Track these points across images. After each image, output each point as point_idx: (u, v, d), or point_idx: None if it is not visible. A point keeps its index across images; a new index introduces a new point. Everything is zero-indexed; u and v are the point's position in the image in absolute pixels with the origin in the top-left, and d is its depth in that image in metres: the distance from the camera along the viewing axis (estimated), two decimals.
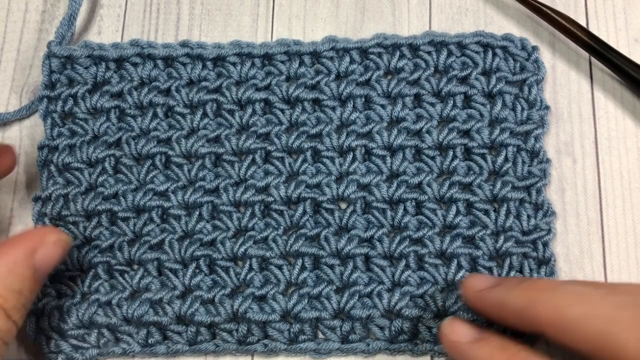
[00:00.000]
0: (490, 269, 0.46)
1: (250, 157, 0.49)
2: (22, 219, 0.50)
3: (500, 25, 0.53)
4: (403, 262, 0.46)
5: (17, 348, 0.47)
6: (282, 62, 0.51)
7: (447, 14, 0.53)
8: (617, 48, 0.52)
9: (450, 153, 0.48)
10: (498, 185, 0.47)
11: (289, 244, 0.47)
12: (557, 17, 0.50)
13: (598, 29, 0.52)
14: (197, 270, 0.47)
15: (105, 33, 0.54)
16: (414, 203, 0.47)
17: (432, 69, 0.50)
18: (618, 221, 0.48)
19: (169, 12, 0.54)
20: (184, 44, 0.52)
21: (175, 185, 0.48)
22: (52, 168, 0.49)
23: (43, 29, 0.54)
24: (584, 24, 0.52)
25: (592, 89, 0.51)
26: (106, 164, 0.49)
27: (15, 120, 0.52)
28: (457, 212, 0.47)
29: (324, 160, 0.49)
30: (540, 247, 0.46)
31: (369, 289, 0.46)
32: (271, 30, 0.54)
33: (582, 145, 0.50)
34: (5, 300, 0.39)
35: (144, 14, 0.54)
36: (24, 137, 0.52)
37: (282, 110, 0.50)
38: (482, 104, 0.49)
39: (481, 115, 0.49)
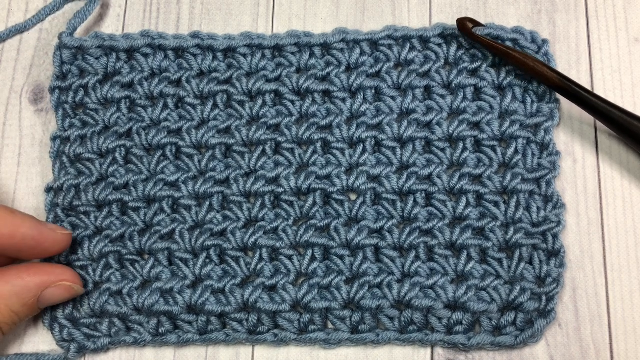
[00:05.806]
0: (500, 261, 0.46)
1: (261, 148, 0.49)
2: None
3: (500, 25, 0.52)
4: (413, 253, 0.46)
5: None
6: (293, 53, 0.51)
7: (448, 14, 0.53)
8: (617, 48, 0.51)
9: (461, 145, 0.48)
10: (508, 177, 0.47)
11: (299, 235, 0.47)
12: (525, 60, 0.48)
13: (598, 29, 0.52)
14: (208, 260, 0.47)
15: (105, 33, 0.53)
16: (424, 194, 0.48)
17: (443, 61, 0.50)
18: (618, 221, 0.48)
19: (169, 11, 0.54)
20: (194, 35, 0.52)
21: (185, 175, 0.49)
22: (64, 159, 0.50)
23: (43, 29, 0.54)
24: (584, 24, 0.52)
25: (592, 88, 0.51)
26: (117, 155, 0.49)
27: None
28: (467, 204, 0.47)
29: (334, 151, 0.49)
30: (550, 238, 0.46)
31: (378, 280, 0.46)
32: (271, 30, 0.53)
33: (582, 145, 0.50)
34: (2, 315, 0.43)
35: (144, 13, 0.54)
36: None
37: (293, 102, 0.50)
38: (492, 96, 0.49)
39: (491, 107, 0.49)
